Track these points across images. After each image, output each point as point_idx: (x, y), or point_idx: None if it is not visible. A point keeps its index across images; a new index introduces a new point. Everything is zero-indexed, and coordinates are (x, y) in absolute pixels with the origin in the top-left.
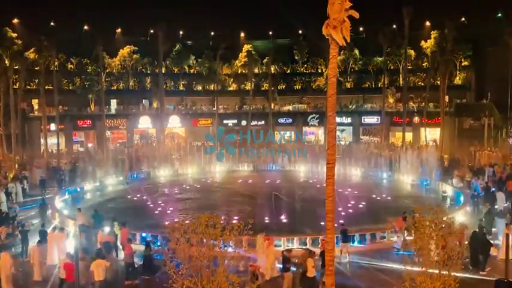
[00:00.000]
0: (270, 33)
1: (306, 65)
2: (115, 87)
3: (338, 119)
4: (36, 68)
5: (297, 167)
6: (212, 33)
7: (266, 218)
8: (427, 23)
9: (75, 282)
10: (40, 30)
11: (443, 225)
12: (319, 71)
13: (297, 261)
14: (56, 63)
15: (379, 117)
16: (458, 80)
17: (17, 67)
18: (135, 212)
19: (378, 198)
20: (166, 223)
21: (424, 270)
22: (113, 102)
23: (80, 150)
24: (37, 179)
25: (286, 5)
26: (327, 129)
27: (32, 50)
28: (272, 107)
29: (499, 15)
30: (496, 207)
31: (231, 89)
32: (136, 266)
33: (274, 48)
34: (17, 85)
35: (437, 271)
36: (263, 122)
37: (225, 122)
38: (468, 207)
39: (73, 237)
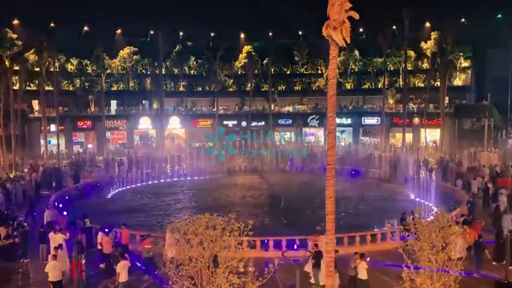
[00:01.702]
0: (270, 34)
1: (305, 66)
2: (115, 88)
3: (338, 120)
4: (36, 69)
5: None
6: (212, 34)
7: (266, 219)
8: (427, 24)
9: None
10: (40, 31)
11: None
12: (319, 72)
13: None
14: (56, 64)
15: (379, 118)
16: (458, 81)
17: (17, 68)
18: (134, 212)
19: (378, 199)
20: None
21: (424, 271)
22: (113, 103)
23: (79, 151)
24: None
25: (286, 5)
26: (327, 130)
27: (32, 51)
28: (272, 108)
29: (499, 15)
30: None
31: (231, 89)
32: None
33: (274, 49)
34: (17, 86)
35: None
36: (263, 123)
37: (225, 122)
38: (468, 208)
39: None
